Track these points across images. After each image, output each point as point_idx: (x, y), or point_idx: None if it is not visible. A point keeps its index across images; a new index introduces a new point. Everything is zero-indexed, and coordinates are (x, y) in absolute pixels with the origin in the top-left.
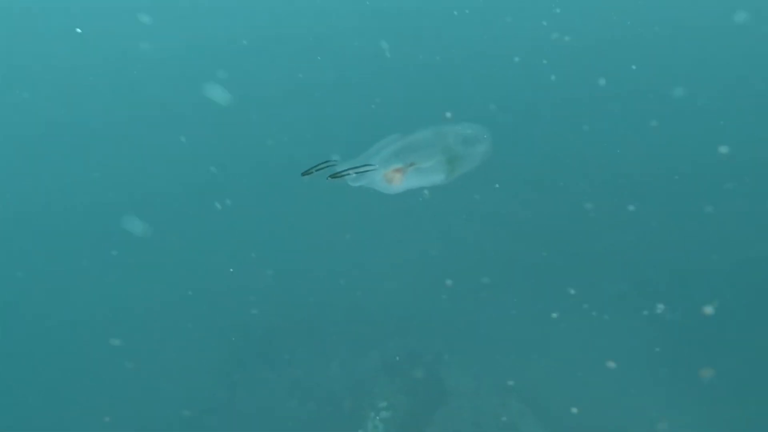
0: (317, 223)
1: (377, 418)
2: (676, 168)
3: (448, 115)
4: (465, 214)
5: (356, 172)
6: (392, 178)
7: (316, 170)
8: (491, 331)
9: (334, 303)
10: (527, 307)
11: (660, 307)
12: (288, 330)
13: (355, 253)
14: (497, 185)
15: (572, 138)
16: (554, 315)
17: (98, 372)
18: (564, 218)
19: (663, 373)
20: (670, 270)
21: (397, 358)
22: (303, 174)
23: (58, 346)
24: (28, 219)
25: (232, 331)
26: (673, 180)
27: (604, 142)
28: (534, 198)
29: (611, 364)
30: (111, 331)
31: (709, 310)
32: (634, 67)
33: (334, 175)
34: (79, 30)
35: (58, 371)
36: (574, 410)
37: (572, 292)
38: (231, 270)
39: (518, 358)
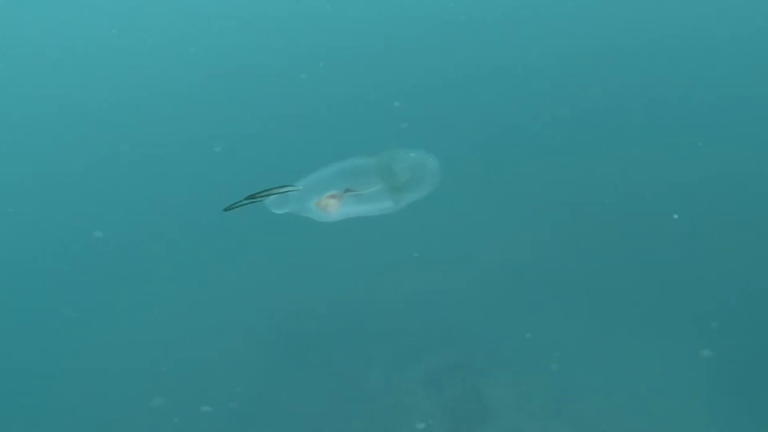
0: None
1: None
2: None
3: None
4: (504, 225)
5: (274, 194)
6: (326, 205)
7: (241, 205)
8: (538, 349)
9: (378, 309)
10: (577, 323)
11: (716, 326)
12: (327, 335)
13: (399, 262)
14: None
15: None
16: (604, 333)
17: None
18: (607, 229)
19: (723, 400)
20: (728, 284)
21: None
22: (225, 209)
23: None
24: None
25: (268, 333)
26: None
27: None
28: (567, 209)
29: (666, 389)
30: (145, 330)
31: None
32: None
33: (251, 196)
34: None
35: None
36: None
37: (628, 308)
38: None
39: (565, 378)
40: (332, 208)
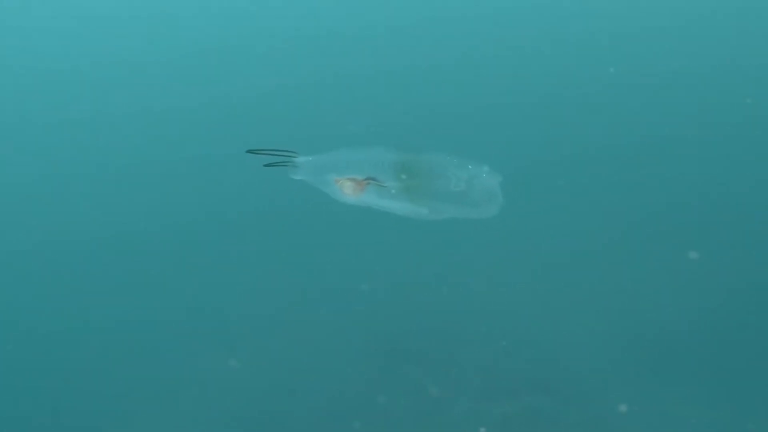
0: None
1: None
2: None
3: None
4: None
5: (276, 154)
6: (344, 186)
7: (265, 153)
8: (640, 419)
9: (480, 336)
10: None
11: None
12: (424, 354)
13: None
14: None
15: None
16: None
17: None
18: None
19: None
20: None
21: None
22: (248, 151)
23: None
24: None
25: (362, 342)
26: None
27: None
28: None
29: None
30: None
31: None
32: None
33: (252, 151)
34: None
35: None
36: None
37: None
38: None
39: None
40: (348, 190)
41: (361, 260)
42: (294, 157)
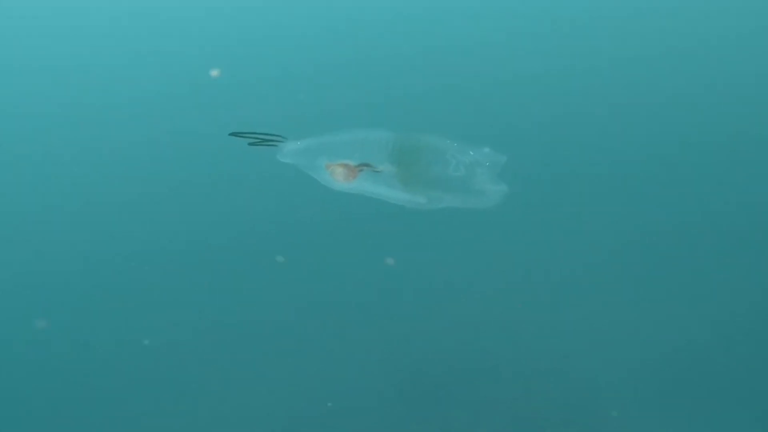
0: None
1: None
2: None
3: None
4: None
5: (261, 138)
6: (335, 172)
7: (250, 137)
8: None
9: (505, 365)
10: None
11: None
12: (449, 389)
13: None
14: None
15: None
16: None
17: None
18: None
19: None
20: None
21: None
22: (231, 134)
23: None
24: None
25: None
26: None
27: None
28: None
29: None
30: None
31: None
32: None
33: (235, 134)
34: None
35: None
36: None
37: None
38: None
39: None
40: (339, 176)
41: (353, 257)
42: (281, 141)
